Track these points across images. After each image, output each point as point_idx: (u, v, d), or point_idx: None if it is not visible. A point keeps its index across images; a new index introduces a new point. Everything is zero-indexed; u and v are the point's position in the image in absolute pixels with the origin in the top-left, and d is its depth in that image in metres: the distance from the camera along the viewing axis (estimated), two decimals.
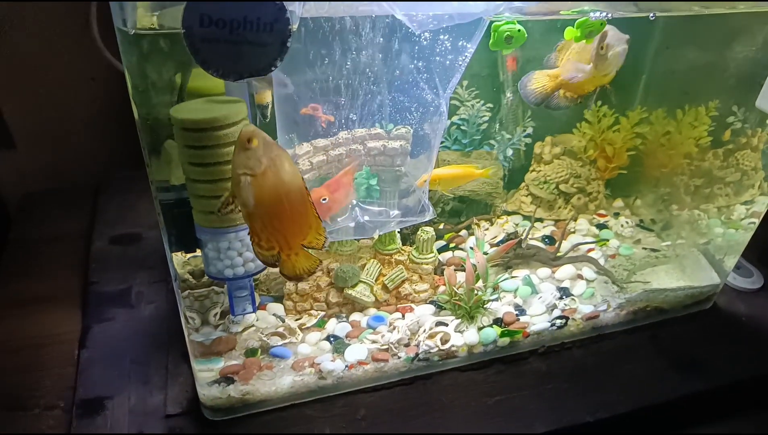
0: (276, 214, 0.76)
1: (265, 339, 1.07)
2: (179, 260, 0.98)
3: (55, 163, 1.74)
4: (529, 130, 1.37)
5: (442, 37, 0.83)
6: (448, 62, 0.84)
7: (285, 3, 0.63)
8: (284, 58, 0.66)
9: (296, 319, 1.14)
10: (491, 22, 0.89)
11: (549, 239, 1.38)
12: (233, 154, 0.74)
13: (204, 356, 1.04)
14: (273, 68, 0.66)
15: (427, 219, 1.03)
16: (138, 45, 0.68)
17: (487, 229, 1.37)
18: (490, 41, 0.93)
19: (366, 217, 1.02)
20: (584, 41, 0.98)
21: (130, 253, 1.43)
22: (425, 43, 0.83)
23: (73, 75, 1.65)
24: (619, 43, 0.98)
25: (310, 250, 0.83)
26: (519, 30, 0.93)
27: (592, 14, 0.94)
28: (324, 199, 0.91)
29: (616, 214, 1.49)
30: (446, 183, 1.15)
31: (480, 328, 1.14)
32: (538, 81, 1.09)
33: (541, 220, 1.44)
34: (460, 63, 0.83)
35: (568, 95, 1.10)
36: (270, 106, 0.89)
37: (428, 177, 1.03)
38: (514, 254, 1.27)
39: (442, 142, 0.97)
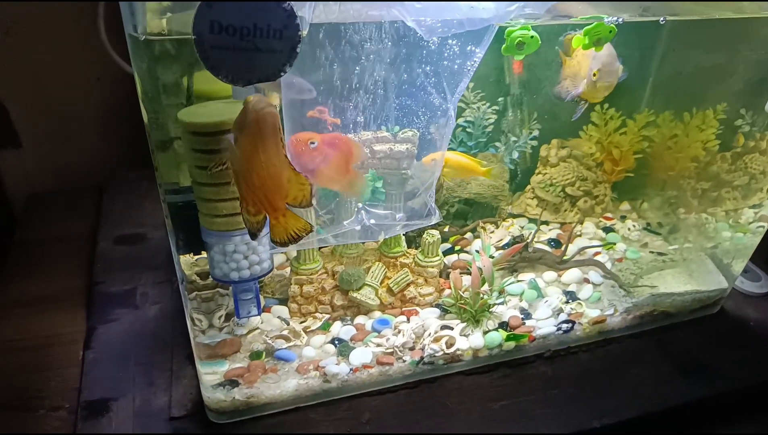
0: (253, 167, 0.75)
1: (269, 342, 1.07)
2: (187, 262, 0.98)
3: (61, 162, 1.75)
4: (535, 133, 1.37)
5: (450, 41, 0.82)
6: (456, 66, 0.83)
7: (294, 9, 0.62)
8: (293, 64, 0.65)
9: (301, 322, 1.14)
10: (505, 27, 0.89)
11: (555, 242, 1.37)
12: None
13: (209, 359, 1.04)
14: (282, 74, 0.66)
15: (433, 222, 1.02)
16: (148, 50, 0.68)
17: (492, 232, 1.36)
18: (503, 46, 0.92)
19: (372, 220, 1.01)
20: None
21: (134, 253, 1.43)
22: (433, 47, 0.83)
23: (79, 75, 1.66)
24: (609, 75, 1.00)
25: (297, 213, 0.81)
26: (532, 36, 0.92)
27: (606, 19, 0.93)
28: (312, 143, 0.84)
29: (623, 218, 1.48)
30: (451, 170, 1.14)
31: (485, 332, 1.14)
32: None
33: (546, 223, 1.43)
34: (469, 68, 0.82)
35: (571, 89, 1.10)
36: (278, 108, 0.89)
37: (439, 156, 1.00)
38: (520, 258, 1.27)
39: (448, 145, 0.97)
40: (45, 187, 1.74)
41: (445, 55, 0.83)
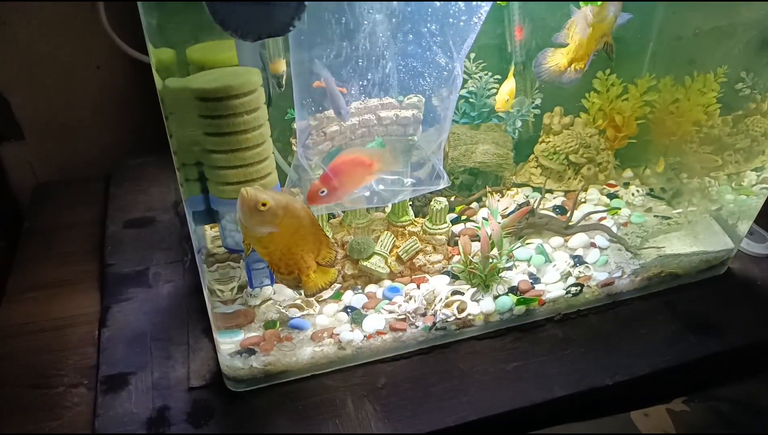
0: (295, 243, 0.86)
1: (283, 311, 1.08)
2: (208, 235, 0.98)
3: (65, 152, 1.75)
4: (538, 102, 1.37)
5: None
6: (462, 23, 0.83)
7: None
8: (302, 18, 0.66)
9: None
10: None
11: (560, 209, 1.38)
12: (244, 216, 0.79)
13: (225, 329, 1.05)
14: (291, 28, 0.67)
15: (441, 187, 1.03)
16: (158, 7, 0.69)
17: (498, 200, 1.37)
18: None
19: (380, 186, 1.02)
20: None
21: (145, 235, 1.44)
22: (438, 4, 0.83)
23: (79, 64, 1.66)
24: None
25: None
26: None
27: None
28: (322, 192, 0.92)
29: (626, 184, 1.49)
30: None
31: (496, 297, 1.15)
32: (553, 59, 1.10)
33: (551, 191, 1.44)
34: (475, 22, 0.83)
35: (578, 67, 1.10)
36: (285, 76, 0.90)
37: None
38: (527, 223, 1.28)
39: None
40: (50, 177, 1.74)
41: (451, 11, 0.83)
